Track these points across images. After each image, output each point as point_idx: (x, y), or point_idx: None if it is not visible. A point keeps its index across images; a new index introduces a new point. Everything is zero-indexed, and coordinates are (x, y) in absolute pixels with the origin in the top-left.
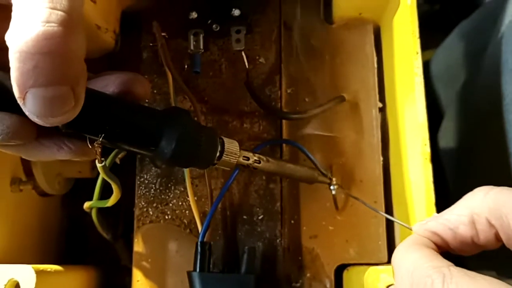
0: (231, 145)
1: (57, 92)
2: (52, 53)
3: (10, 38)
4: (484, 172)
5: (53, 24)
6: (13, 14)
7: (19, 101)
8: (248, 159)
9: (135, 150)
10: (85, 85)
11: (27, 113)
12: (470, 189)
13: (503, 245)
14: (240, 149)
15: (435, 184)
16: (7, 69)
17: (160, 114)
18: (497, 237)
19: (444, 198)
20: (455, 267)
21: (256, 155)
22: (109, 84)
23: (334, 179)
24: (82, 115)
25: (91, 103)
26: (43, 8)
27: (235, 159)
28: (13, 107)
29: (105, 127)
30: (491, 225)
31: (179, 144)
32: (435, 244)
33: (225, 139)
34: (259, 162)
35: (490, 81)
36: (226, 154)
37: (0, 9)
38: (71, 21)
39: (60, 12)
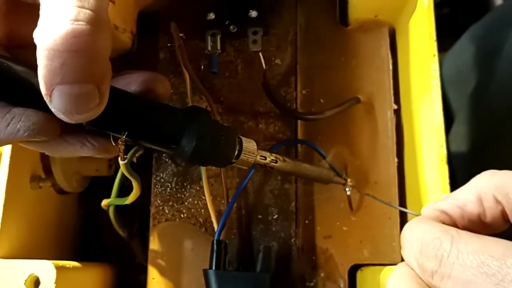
0: (249, 145)
1: (83, 90)
2: (80, 51)
3: (38, 35)
4: None
5: (81, 23)
6: (41, 12)
7: (46, 98)
8: (265, 158)
9: (156, 148)
10: (109, 83)
11: (53, 110)
12: None
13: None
14: (258, 148)
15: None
16: (33, 67)
17: (181, 112)
18: (504, 215)
19: None
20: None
21: (273, 154)
22: (131, 82)
23: (348, 180)
24: (105, 113)
25: (115, 101)
26: (71, 6)
27: (253, 158)
28: (39, 104)
29: (128, 124)
30: (497, 202)
31: (199, 142)
32: (443, 223)
33: (243, 139)
34: (276, 162)
35: (507, 86)
36: (244, 153)
37: (27, 8)
38: (99, 19)
39: (88, 11)
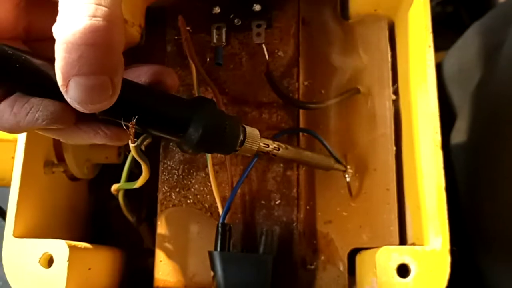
0: (253, 133)
1: (98, 81)
2: (96, 45)
3: (57, 30)
4: (497, 170)
5: (98, 19)
6: (60, 8)
7: (62, 89)
8: (268, 146)
9: (164, 136)
10: (122, 76)
11: (68, 100)
12: (482, 188)
13: None
14: (261, 137)
15: (445, 178)
16: (49, 60)
17: (188, 102)
18: None
19: (454, 197)
20: None
21: (276, 142)
22: (141, 74)
23: (348, 167)
24: (117, 103)
25: (126, 92)
26: (89, 3)
27: (256, 146)
28: (55, 94)
29: (138, 114)
30: None
31: (205, 130)
32: None
33: (247, 127)
34: (278, 149)
35: (508, 85)
36: (248, 141)
37: (45, 3)
38: (114, 16)
39: (104, 8)
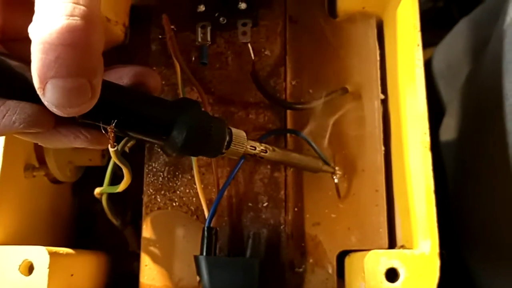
0: (239, 135)
1: (76, 84)
2: (74, 45)
3: (34, 30)
4: (482, 166)
5: (76, 18)
6: (36, 8)
7: (39, 92)
8: (255, 148)
9: (147, 139)
10: (101, 77)
11: (45, 103)
12: (469, 184)
13: None
14: (247, 139)
15: (435, 177)
16: (26, 61)
17: (171, 104)
18: None
19: (444, 192)
20: None
21: (263, 145)
22: (123, 76)
23: (337, 168)
24: (97, 106)
25: (107, 94)
26: (66, 2)
27: (243, 149)
28: (32, 97)
29: (119, 117)
30: None
31: (190, 133)
32: None
33: (233, 129)
34: (266, 152)
35: (492, 80)
36: (234, 144)
37: (21, 2)
38: (93, 15)
39: (82, 7)
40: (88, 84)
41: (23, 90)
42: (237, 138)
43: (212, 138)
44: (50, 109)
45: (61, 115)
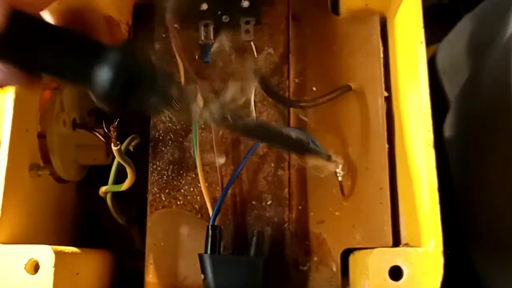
0: (190, 91)
1: None
2: None
3: None
4: (490, 164)
5: None
6: None
7: None
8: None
9: (72, 82)
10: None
11: None
12: (475, 181)
13: None
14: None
15: (439, 172)
16: None
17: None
18: None
19: (448, 187)
20: None
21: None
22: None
23: (340, 166)
24: (8, 39)
25: (20, 27)
26: None
27: (198, 107)
28: None
29: (32, 51)
30: None
31: (121, 70)
32: None
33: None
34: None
35: (499, 78)
36: (186, 99)
37: None
38: None
39: None
40: None
41: None
42: (186, 93)
43: (153, 80)
44: None
45: None
